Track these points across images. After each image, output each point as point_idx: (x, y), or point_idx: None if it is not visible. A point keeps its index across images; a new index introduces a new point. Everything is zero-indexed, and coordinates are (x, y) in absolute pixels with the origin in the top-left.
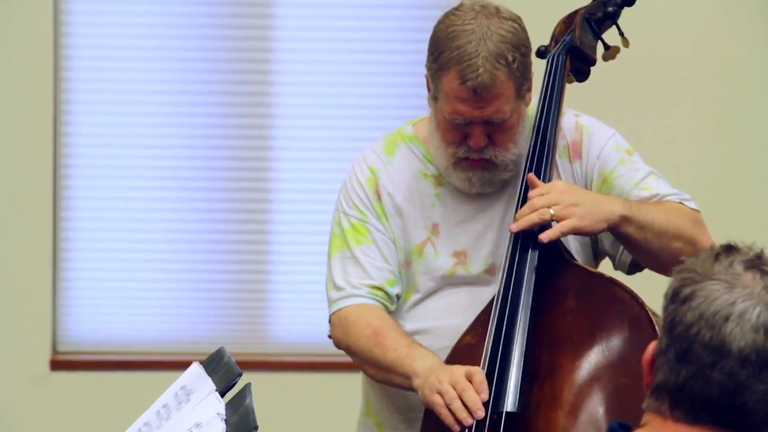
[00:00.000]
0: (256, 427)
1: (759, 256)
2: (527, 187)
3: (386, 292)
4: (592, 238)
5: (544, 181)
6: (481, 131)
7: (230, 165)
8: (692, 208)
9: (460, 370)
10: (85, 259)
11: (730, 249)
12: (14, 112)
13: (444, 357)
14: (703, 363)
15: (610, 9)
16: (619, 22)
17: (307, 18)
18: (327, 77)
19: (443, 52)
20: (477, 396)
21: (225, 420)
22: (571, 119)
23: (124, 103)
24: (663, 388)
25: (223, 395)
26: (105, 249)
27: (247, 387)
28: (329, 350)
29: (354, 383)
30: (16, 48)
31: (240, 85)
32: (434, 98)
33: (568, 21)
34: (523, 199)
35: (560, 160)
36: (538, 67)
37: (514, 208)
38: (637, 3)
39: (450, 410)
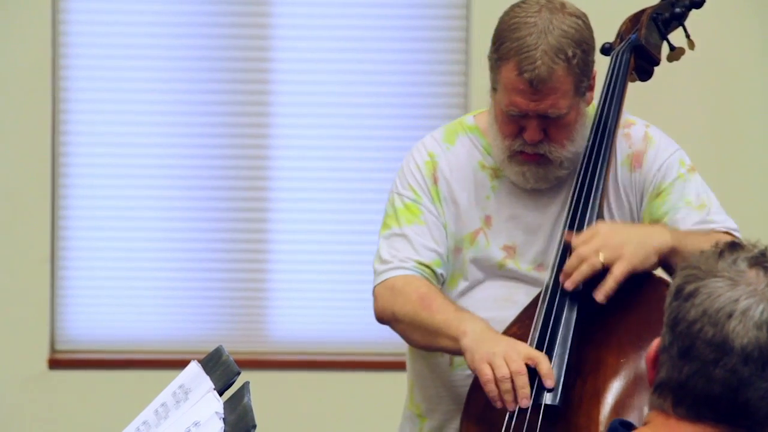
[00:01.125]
0: (255, 426)
1: (763, 253)
2: (578, 196)
3: (433, 270)
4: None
5: (599, 179)
6: (536, 125)
7: (229, 164)
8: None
9: (519, 350)
10: (84, 258)
11: (734, 246)
12: (13, 111)
13: None
14: (706, 360)
15: (678, 10)
16: (686, 23)
17: (305, 17)
18: (326, 76)
19: (504, 42)
20: (528, 383)
21: (223, 419)
22: (641, 129)
23: (123, 102)
24: (666, 386)
25: (221, 394)
26: (103, 248)
27: (245, 386)
28: (327, 349)
29: (351, 381)
30: (14, 46)
31: (239, 84)
32: (493, 89)
33: (635, 19)
34: (573, 211)
35: (621, 167)
36: (602, 65)
37: (567, 211)
38: (636, 1)
39: (497, 386)
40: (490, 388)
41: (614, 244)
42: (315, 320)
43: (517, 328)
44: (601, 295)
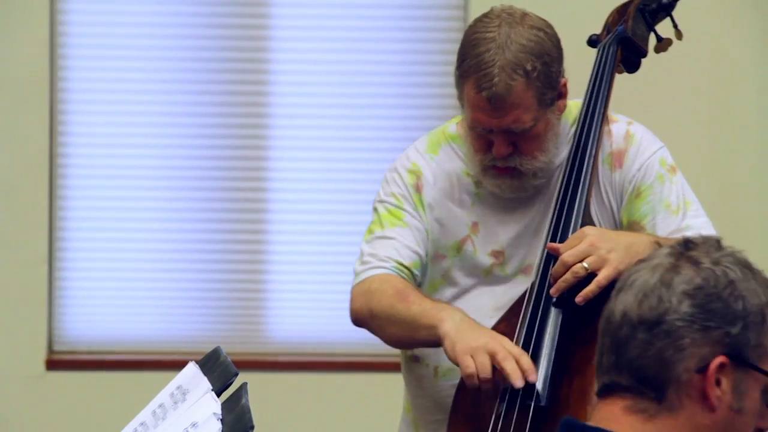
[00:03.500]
0: (252, 427)
1: (689, 242)
2: (565, 193)
3: (411, 272)
4: (617, 223)
5: (586, 174)
6: (503, 140)
7: (227, 164)
8: None
9: (502, 343)
10: (82, 259)
11: (686, 241)
12: (11, 112)
13: None
14: (601, 334)
15: (665, 0)
16: (674, 14)
17: (304, 18)
18: (324, 77)
19: (465, 59)
20: (529, 360)
21: (221, 420)
22: (623, 127)
23: (121, 103)
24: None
25: (219, 395)
26: (101, 248)
27: (243, 387)
28: (326, 350)
29: (350, 382)
30: (13, 47)
31: (237, 84)
32: (461, 104)
33: (622, 10)
34: (559, 209)
35: (602, 166)
36: (590, 57)
37: (553, 209)
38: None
39: (483, 379)
40: (472, 383)
41: (600, 251)
42: (313, 321)
43: (504, 326)
44: (580, 298)
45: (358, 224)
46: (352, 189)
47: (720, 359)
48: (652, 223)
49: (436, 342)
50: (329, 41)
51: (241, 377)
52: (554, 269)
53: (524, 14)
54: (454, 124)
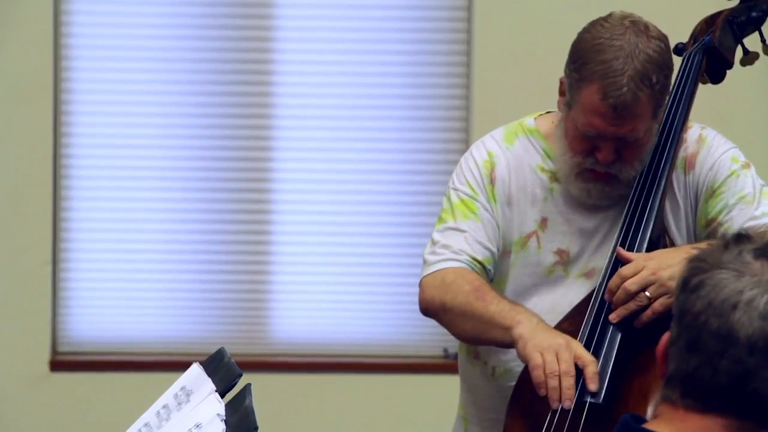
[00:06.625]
0: (256, 428)
1: (750, 239)
2: (638, 200)
3: (484, 267)
4: (689, 226)
5: (659, 184)
6: (611, 146)
7: (231, 165)
8: None
9: (571, 348)
10: (86, 260)
11: (740, 238)
12: (15, 112)
13: None
14: (712, 351)
15: (755, 14)
16: (763, 28)
17: (308, 19)
18: (328, 78)
19: (587, 63)
20: (574, 385)
21: (225, 421)
22: (696, 131)
23: (125, 104)
24: (674, 378)
25: (223, 396)
26: (105, 249)
27: (247, 387)
28: (329, 351)
29: (353, 383)
30: (16, 48)
31: (241, 85)
32: (568, 105)
33: (710, 21)
34: (630, 217)
35: (675, 171)
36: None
37: (624, 216)
38: (634, 1)
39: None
40: (538, 374)
41: (662, 279)
42: (317, 322)
43: (569, 324)
44: (638, 323)
45: (363, 225)
46: (356, 190)
47: None
48: (728, 216)
49: (509, 343)
50: (333, 42)
51: (245, 378)
52: (617, 296)
53: (646, 23)
54: (532, 119)
